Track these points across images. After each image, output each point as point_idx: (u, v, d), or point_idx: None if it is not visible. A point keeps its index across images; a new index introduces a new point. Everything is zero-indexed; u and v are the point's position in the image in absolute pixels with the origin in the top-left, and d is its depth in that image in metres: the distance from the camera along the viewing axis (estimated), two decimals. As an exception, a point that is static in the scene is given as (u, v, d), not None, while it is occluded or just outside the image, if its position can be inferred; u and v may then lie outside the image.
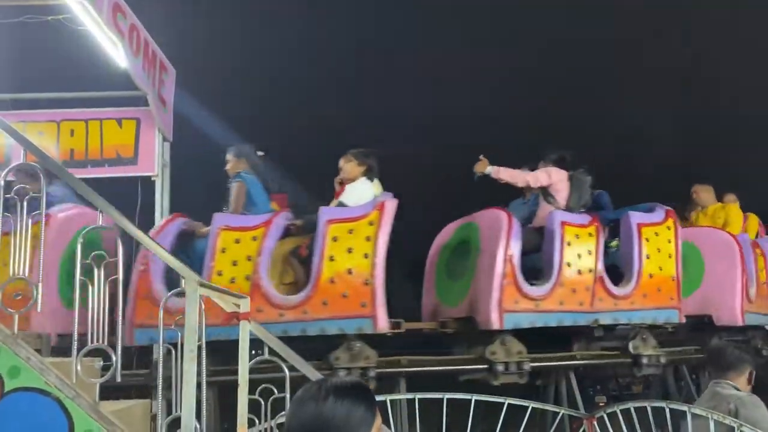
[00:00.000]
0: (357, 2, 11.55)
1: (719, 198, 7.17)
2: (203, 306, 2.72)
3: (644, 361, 5.40)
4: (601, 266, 5.29)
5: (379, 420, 1.63)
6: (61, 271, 4.39)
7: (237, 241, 4.62)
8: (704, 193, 7.05)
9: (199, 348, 2.76)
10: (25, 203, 3.08)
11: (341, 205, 4.94)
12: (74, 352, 2.99)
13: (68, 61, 6.16)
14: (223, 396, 4.74)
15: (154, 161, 5.93)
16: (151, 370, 4.45)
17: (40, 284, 3.08)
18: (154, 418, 3.51)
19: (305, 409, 1.55)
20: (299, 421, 1.54)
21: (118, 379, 3.03)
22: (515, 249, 5.00)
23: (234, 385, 3.22)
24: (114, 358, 2.99)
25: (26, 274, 3.05)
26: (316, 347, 4.76)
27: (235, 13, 10.85)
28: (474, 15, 12.37)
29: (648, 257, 5.52)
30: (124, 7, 5.18)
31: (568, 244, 5.19)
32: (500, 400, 4.07)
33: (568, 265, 5.16)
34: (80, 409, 2.92)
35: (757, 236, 7.20)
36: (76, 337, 3.00)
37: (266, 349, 3.27)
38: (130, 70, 5.26)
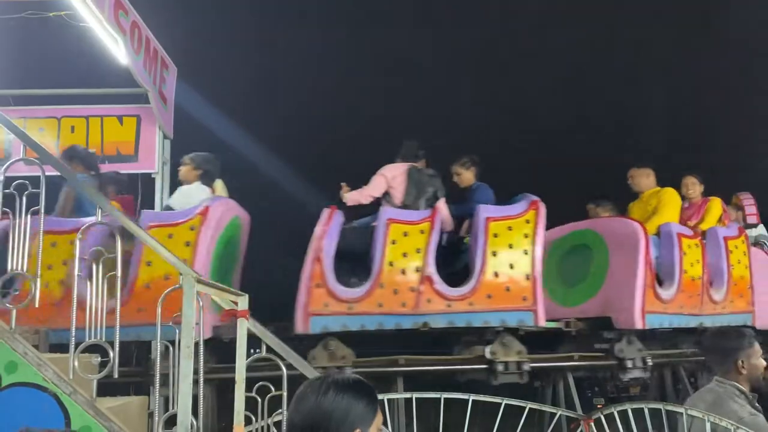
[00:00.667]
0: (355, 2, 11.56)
1: (679, 181, 6.51)
2: (201, 303, 2.72)
3: (500, 368, 5.00)
4: (431, 265, 4.88)
5: (380, 418, 1.64)
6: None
7: (53, 245, 4.35)
8: (640, 178, 6.25)
9: (197, 345, 2.75)
10: (24, 198, 3.09)
11: (168, 208, 4.83)
12: (72, 348, 3.00)
13: (69, 57, 6.16)
14: (221, 394, 4.74)
15: (154, 158, 5.95)
16: (148, 367, 4.44)
17: (38, 279, 3.09)
18: (151, 414, 3.52)
19: (306, 403, 1.57)
20: (300, 414, 1.56)
21: (116, 375, 3.04)
22: (327, 249, 4.75)
23: (232, 383, 3.22)
24: (111, 355, 3.00)
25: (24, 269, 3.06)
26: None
27: (238, 10, 10.85)
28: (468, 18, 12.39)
29: (494, 254, 5.01)
30: (125, 4, 5.18)
31: (393, 242, 4.86)
32: (497, 400, 4.06)
33: (390, 264, 4.83)
34: (77, 405, 2.93)
35: (720, 221, 6.50)
36: (73, 332, 3.00)
37: (263, 347, 3.28)
38: (131, 67, 5.27)
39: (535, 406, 4.09)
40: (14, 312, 3.03)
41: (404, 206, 5.10)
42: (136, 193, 5.86)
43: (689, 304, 5.75)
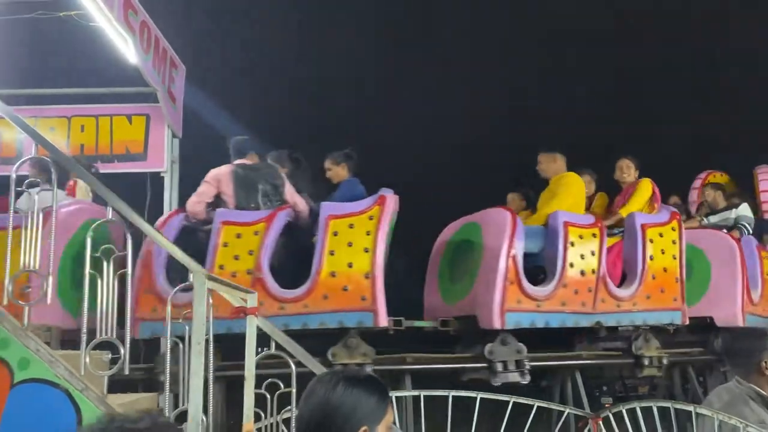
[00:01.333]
0: (367, 4, 11.58)
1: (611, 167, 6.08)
2: (211, 300, 2.74)
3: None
4: (264, 267, 4.61)
5: (390, 416, 1.63)
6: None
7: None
8: (547, 163, 5.70)
9: (207, 342, 2.77)
10: (36, 197, 3.12)
11: (16, 211, 4.75)
12: (83, 344, 3.02)
13: (79, 57, 6.21)
14: (230, 392, 4.76)
15: (163, 157, 5.99)
16: (158, 364, 4.45)
17: (50, 277, 3.12)
18: (161, 411, 3.55)
19: (315, 397, 1.56)
20: (309, 408, 1.56)
21: (126, 372, 3.06)
22: (157, 252, 4.61)
23: (241, 381, 3.24)
24: (122, 351, 3.03)
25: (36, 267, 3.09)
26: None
27: (246, 10, 10.89)
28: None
29: (332, 253, 4.69)
30: (135, 4, 5.21)
31: (225, 245, 4.64)
32: (505, 398, 4.06)
33: (221, 267, 4.58)
34: (88, 401, 2.96)
35: (649, 205, 5.87)
36: (85, 329, 3.03)
37: (272, 344, 3.29)
38: (140, 67, 5.30)
39: (543, 404, 4.10)
40: (27, 309, 3.06)
41: (240, 208, 4.85)
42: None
43: (576, 300, 5.17)
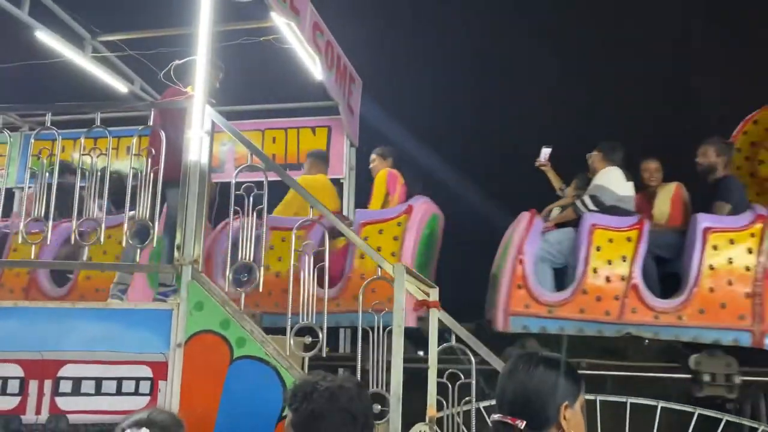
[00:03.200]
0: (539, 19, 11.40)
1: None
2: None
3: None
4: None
5: (583, 397, 1.72)
6: None
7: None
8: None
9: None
10: (251, 198, 3.62)
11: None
12: (288, 328, 3.45)
13: (272, 76, 6.92)
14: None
15: (343, 165, 6.52)
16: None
17: (261, 268, 3.59)
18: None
19: (517, 374, 1.70)
20: (512, 385, 1.70)
21: (323, 354, 3.44)
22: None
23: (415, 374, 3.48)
24: (320, 336, 3.41)
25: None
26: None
27: (417, 24, 11.28)
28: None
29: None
30: (321, 25, 5.75)
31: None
32: (689, 409, 3.90)
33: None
34: (292, 378, 3.35)
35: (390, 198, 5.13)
36: (289, 315, 3.46)
37: (453, 337, 3.49)
38: (325, 83, 5.83)
39: (733, 419, 3.87)
40: (243, 296, 3.55)
41: None
42: None
43: (269, 302, 4.69)
